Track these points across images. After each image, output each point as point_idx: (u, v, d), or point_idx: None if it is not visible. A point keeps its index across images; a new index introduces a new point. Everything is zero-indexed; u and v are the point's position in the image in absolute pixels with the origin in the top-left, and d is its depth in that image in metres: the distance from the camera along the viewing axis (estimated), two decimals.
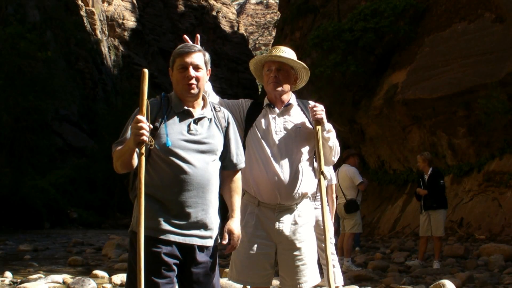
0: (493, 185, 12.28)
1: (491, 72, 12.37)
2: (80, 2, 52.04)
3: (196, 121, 2.47)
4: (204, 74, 2.51)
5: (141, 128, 2.22)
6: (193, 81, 2.45)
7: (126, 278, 2.46)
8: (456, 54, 13.58)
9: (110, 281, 6.46)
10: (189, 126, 2.45)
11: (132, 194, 2.55)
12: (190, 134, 2.44)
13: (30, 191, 25.75)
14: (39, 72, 24.89)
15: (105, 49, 56.55)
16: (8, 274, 6.94)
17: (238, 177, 2.66)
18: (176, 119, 2.45)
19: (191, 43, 2.67)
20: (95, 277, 6.97)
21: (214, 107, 2.61)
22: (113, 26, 61.18)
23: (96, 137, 41.64)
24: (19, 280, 6.56)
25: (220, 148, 2.53)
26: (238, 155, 2.64)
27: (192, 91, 2.46)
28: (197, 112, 2.50)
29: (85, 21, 51.42)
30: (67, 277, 6.64)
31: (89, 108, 45.82)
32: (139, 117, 2.26)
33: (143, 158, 2.29)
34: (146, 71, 2.33)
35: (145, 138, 2.24)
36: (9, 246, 13.24)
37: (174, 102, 2.50)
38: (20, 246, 12.44)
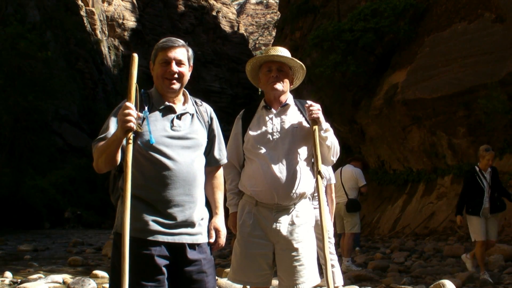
0: None
1: (491, 72, 12.35)
2: (80, 2, 52.12)
3: (179, 117, 2.39)
4: (186, 70, 2.43)
5: (129, 114, 2.14)
6: (175, 76, 2.37)
7: (109, 281, 2.34)
8: (456, 54, 13.56)
9: None
10: (172, 122, 2.36)
11: (114, 197, 2.44)
12: (174, 130, 2.35)
13: (30, 191, 25.79)
14: (39, 72, 24.89)
15: (105, 49, 56.58)
16: (8, 274, 6.94)
17: (220, 173, 2.63)
18: (158, 115, 2.36)
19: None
20: (95, 277, 6.97)
21: (195, 102, 2.54)
22: (113, 26, 61.21)
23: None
24: (19, 280, 6.56)
25: (204, 143, 2.46)
26: (221, 151, 2.59)
27: (173, 86, 2.38)
28: (178, 107, 2.42)
29: (85, 21, 51.48)
30: (67, 277, 6.65)
31: (89, 108, 45.89)
32: (128, 104, 2.17)
33: (130, 147, 2.19)
34: (135, 55, 2.25)
35: (132, 125, 2.15)
36: (9, 246, 13.24)
37: (155, 98, 2.41)
38: (20, 246, 12.45)
